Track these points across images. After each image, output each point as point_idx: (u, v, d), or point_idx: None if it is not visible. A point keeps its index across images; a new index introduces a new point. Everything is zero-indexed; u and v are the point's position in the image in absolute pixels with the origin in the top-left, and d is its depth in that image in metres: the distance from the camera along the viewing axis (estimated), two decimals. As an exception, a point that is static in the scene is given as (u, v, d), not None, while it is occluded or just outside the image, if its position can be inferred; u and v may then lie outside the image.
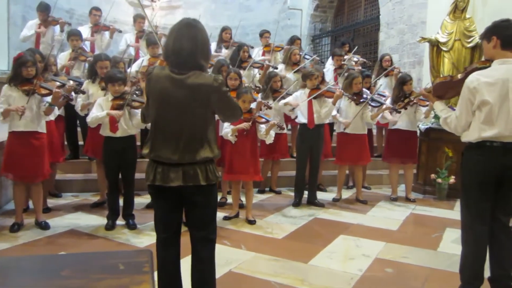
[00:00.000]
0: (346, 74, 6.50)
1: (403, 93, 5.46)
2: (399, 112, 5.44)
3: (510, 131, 2.67)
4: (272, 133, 4.61)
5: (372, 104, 5.49)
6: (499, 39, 2.75)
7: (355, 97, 5.34)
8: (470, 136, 2.81)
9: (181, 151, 2.29)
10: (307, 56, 7.42)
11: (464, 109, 2.81)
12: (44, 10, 6.74)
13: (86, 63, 6.02)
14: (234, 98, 4.81)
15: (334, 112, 5.36)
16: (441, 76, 5.36)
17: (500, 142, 2.70)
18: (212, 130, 2.42)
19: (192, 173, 2.31)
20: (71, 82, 4.95)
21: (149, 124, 2.45)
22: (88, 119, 4.29)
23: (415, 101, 5.38)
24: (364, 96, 5.45)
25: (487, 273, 2.85)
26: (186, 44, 2.28)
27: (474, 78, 2.75)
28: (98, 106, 4.27)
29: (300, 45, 7.74)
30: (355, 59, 7.40)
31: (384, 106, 5.42)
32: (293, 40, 7.56)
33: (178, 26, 2.36)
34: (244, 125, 4.41)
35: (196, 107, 2.30)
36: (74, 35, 6.12)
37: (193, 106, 2.29)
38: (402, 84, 5.53)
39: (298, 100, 5.23)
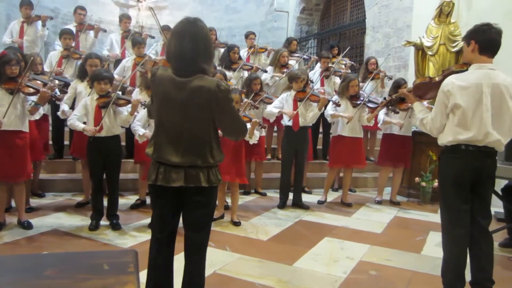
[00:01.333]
0: (333, 77, 6.57)
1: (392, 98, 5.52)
2: (397, 113, 5.49)
3: (483, 135, 2.72)
4: (257, 133, 4.61)
5: (369, 105, 5.53)
6: (477, 44, 2.79)
7: (339, 103, 5.35)
8: (444, 138, 2.86)
9: (183, 153, 2.28)
10: (305, 56, 7.47)
11: (439, 112, 2.86)
12: (27, 4, 6.69)
13: (78, 61, 5.98)
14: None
15: (331, 112, 5.37)
16: (420, 78, 5.43)
17: (475, 146, 2.75)
18: (215, 136, 2.38)
19: (194, 174, 2.30)
20: (56, 82, 4.91)
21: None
22: (69, 121, 4.26)
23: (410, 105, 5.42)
24: (361, 98, 5.49)
25: (468, 276, 2.90)
26: (187, 48, 2.23)
27: (449, 82, 2.80)
28: (82, 107, 4.25)
29: (297, 46, 7.77)
30: (344, 62, 7.47)
31: (378, 107, 5.46)
32: (290, 41, 7.58)
33: (179, 27, 2.31)
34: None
35: (197, 110, 2.27)
36: (67, 34, 6.07)
37: (193, 109, 2.26)
38: (397, 87, 5.59)
39: (283, 102, 5.26)
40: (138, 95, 4.88)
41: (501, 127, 2.74)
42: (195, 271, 2.45)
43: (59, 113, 4.87)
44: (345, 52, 7.55)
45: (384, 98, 5.64)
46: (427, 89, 3.15)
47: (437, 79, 3.06)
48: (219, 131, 2.47)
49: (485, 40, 2.77)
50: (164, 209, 2.42)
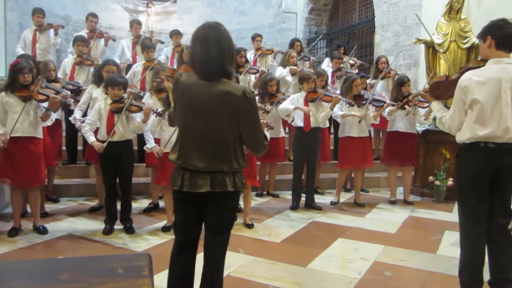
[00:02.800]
0: (344, 77, 6.54)
1: (401, 94, 5.50)
2: (404, 109, 5.45)
3: (503, 131, 2.68)
4: (267, 134, 4.54)
5: (374, 104, 5.49)
6: (493, 39, 2.75)
7: (353, 103, 5.33)
8: (463, 135, 2.81)
9: (209, 159, 2.27)
10: (306, 57, 7.46)
11: (457, 108, 2.82)
12: (40, 12, 6.78)
13: (91, 68, 6.05)
14: None
15: (341, 112, 5.34)
16: (437, 76, 5.38)
17: (494, 143, 2.71)
18: (240, 147, 2.39)
19: (220, 179, 2.29)
20: (70, 86, 4.96)
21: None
22: (83, 129, 4.31)
23: (415, 102, 5.40)
24: (364, 97, 5.45)
25: (487, 276, 2.85)
26: (214, 53, 2.24)
27: (466, 77, 2.76)
28: (95, 112, 4.29)
29: (301, 47, 7.76)
30: (352, 62, 7.44)
31: (384, 105, 5.43)
32: (293, 43, 7.58)
33: (202, 32, 2.30)
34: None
35: (223, 116, 2.27)
36: (80, 41, 6.15)
37: (220, 114, 2.26)
38: (400, 85, 5.57)
39: (294, 101, 5.24)
40: (148, 99, 4.91)
41: None
42: (215, 273, 2.44)
43: (71, 118, 4.92)
44: (352, 51, 7.52)
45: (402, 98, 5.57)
46: (444, 88, 3.09)
47: (453, 77, 3.02)
48: None
49: (502, 35, 2.73)
50: (188, 214, 2.41)
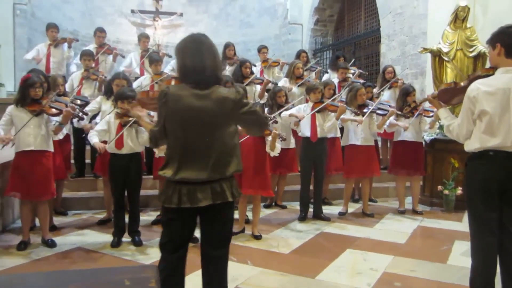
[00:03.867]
0: (350, 87, 6.55)
1: (406, 104, 5.49)
2: (408, 118, 5.45)
3: (511, 141, 2.65)
4: (278, 145, 4.53)
5: (379, 112, 5.49)
6: (503, 47, 2.70)
7: (358, 112, 5.33)
8: (471, 145, 2.79)
9: (211, 168, 2.24)
10: (312, 68, 7.50)
11: (465, 118, 2.80)
12: (53, 27, 6.91)
13: (97, 82, 6.11)
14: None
15: (342, 115, 5.32)
16: (445, 83, 5.37)
17: (503, 152, 2.68)
18: (238, 144, 2.40)
19: (219, 190, 2.27)
20: (78, 101, 5.01)
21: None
22: (90, 134, 4.33)
23: (420, 111, 5.39)
24: (368, 106, 5.45)
25: (498, 286, 2.81)
26: (206, 60, 2.27)
27: (475, 87, 2.73)
28: (104, 123, 4.33)
29: (307, 58, 7.80)
30: (352, 71, 7.45)
31: (388, 113, 5.42)
32: (299, 54, 7.63)
33: (192, 43, 2.32)
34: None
35: (223, 121, 2.29)
36: (87, 55, 6.22)
37: (220, 120, 2.28)
38: (406, 95, 5.57)
39: (300, 111, 5.24)
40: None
41: None
42: (222, 285, 2.42)
43: (75, 122, 4.91)
44: (351, 62, 7.55)
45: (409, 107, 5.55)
46: (452, 94, 3.08)
47: (462, 84, 3.00)
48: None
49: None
50: (182, 230, 2.36)
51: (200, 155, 2.26)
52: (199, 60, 2.26)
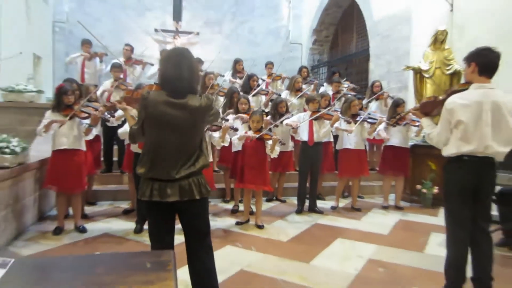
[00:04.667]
0: (343, 98, 6.54)
1: (396, 114, 5.50)
2: (395, 126, 5.48)
3: (484, 147, 2.64)
4: (277, 148, 4.56)
5: (369, 121, 5.48)
6: (477, 66, 2.71)
7: (351, 120, 5.34)
8: (449, 150, 2.78)
9: (180, 166, 2.20)
10: (310, 81, 7.49)
11: (443, 127, 2.79)
12: (87, 43, 6.96)
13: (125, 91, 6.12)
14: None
15: (336, 124, 5.29)
16: (426, 97, 5.37)
17: (476, 157, 2.67)
18: (204, 140, 2.35)
19: (187, 188, 2.21)
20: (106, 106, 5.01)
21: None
22: (119, 131, 4.35)
23: (407, 120, 5.41)
24: (360, 116, 5.45)
25: (469, 273, 2.79)
26: (184, 72, 2.21)
27: (451, 100, 2.73)
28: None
29: (308, 72, 7.79)
30: (346, 86, 7.44)
31: (377, 122, 5.42)
32: (301, 69, 7.65)
33: (174, 56, 2.28)
34: (251, 135, 4.44)
35: (194, 127, 2.24)
36: (116, 67, 6.23)
37: (192, 126, 2.23)
38: (396, 106, 5.60)
39: (300, 119, 5.24)
40: None
41: (501, 140, 2.65)
42: (212, 267, 2.36)
43: (112, 121, 4.88)
44: (345, 78, 7.56)
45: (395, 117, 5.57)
46: (432, 106, 3.07)
47: (441, 97, 2.99)
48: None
49: (485, 62, 2.69)
50: (160, 221, 2.31)
51: (170, 156, 2.20)
52: (178, 71, 2.21)
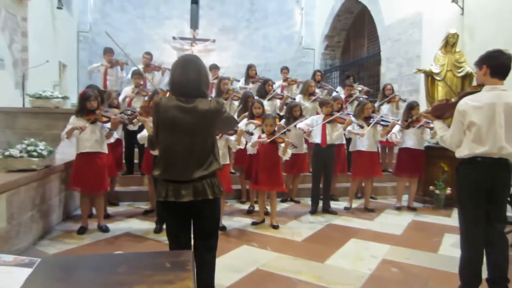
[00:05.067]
0: (355, 102, 6.48)
1: (411, 116, 5.41)
2: (408, 128, 5.40)
3: (498, 149, 2.56)
4: (289, 151, 4.53)
5: (382, 123, 5.41)
6: (488, 68, 2.65)
7: (363, 124, 5.27)
8: (462, 152, 2.71)
9: (192, 169, 2.20)
10: (326, 87, 7.44)
11: (456, 129, 2.72)
12: (109, 51, 7.04)
13: (145, 97, 6.15)
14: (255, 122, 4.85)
15: (349, 128, 5.25)
16: (437, 100, 5.27)
17: (491, 158, 2.60)
18: (216, 145, 2.34)
19: (201, 189, 2.22)
20: (129, 112, 5.05)
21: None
22: (139, 135, 4.37)
23: (422, 123, 5.30)
24: (372, 119, 5.38)
25: (484, 274, 2.71)
26: (192, 76, 2.21)
27: (464, 102, 2.67)
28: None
29: (322, 76, 7.72)
30: (360, 89, 7.35)
31: (390, 124, 5.34)
32: (314, 73, 7.63)
33: (182, 61, 2.29)
34: (262, 140, 4.41)
35: (204, 130, 2.23)
36: (137, 74, 6.27)
37: (201, 129, 2.22)
38: (410, 109, 5.50)
39: (314, 122, 5.20)
40: None
41: None
42: (208, 272, 2.34)
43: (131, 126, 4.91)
44: (357, 84, 7.51)
45: (405, 121, 5.49)
46: (444, 109, 3.00)
47: (453, 100, 2.92)
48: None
49: (496, 65, 2.63)
50: (174, 222, 2.32)
51: (182, 158, 2.21)
52: (185, 75, 2.22)
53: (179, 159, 2.22)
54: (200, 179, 2.22)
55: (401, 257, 3.63)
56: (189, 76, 2.22)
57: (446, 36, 5.94)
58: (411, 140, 5.46)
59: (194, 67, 2.25)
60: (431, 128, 5.28)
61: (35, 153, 3.82)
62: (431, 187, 5.74)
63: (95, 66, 7.20)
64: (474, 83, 5.40)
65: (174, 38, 13.34)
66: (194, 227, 2.36)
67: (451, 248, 3.88)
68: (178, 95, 2.23)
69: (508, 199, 3.76)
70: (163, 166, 2.25)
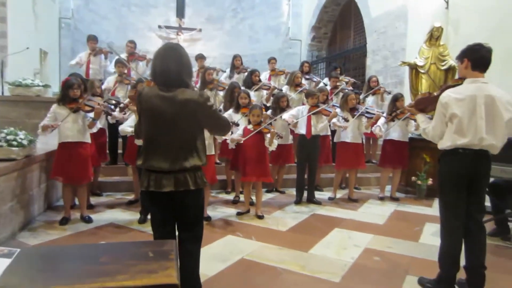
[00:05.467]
0: (341, 93, 6.51)
1: (395, 108, 5.46)
2: (393, 121, 5.44)
3: (478, 140, 2.61)
4: (275, 141, 4.55)
5: (367, 115, 5.45)
6: (470, 61, 2.68)
7: (348, 118, 5.29)
8: (444, 144, 2.75)
9: (172, 160, 2.17)
10: (314, 78, 7.44)
11: (439, 121, 2.76)
12: (93, 39, 6.88)
13: (129, 86, 6.06)
14: (234, 114, 4.83)
15: (334, 120, 5.28)
16: (421, 93, 5.33)
17: (471, 149, 2.65)
18: (201, 141, 2.28)
19: (182, 180, 2.19)
20: (113, 101, 4.97)
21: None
22: (120, 127, 4.32)
23: (406, 115, 5.35)
24: (357, 110, 5.41)
25: (463, 262, 2.77)
26: (172, 65, 2.17)
27: (446, 95, 2.70)
28: (132, 120, 4.29)
29: (309, 67, 7.69)
30: (346, 80, 7.39)
31: (375, 116, 5.38)
32: (302, 64, 7.61)
33: (163, 50, 2.24)
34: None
35: (184, 121, 2.17)
36: (120, 63, 6.17)
37: (181, 119, 2.16)
38: (395, 101, 5.56)
39: (299, 113, 5.21)
40: None
41: (495, 133, 2.62)
42: (192, 263, 2.31)
43: (110, 118, 4.84)
44: (343, 75, 7.52)
45: (388, 112, 5.55)
46: (427, 103, 3.04)
47: (435, 93, 2.96)
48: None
49: (477, 58, 2.66)
50: (159, 211, 2.29)
51: (163, 148, 2.19)
52: (166, 64, 2.18)
53: (158, 149, 2.19)
54: (181, 171, 2.19)
55: (383, 246, 3.70)
56: (170, 66, 2.18)
57: (430, 29, 5.99)
58: (395, 132, 5.53)
59: (175, 56, 2.21)
60: (415, 120, 5.34)
61: (15, 143, 3.73)
62: (413, 178, 5.83)
63: (76, 61, 6.96)
64: (457, 76, 5.48)
65: (159, 27, 13.13)
66: (177, 218, 2.33)
67: (431, 237, 3.97)
68: (159, 84, 2.20)
69: (487, 189, 3.87)
70: (145, 155, 2.22)
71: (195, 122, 2.22)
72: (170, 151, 2.18)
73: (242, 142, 4.42)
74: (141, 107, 2.23)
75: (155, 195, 2.22)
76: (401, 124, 5.47)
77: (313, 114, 5.13)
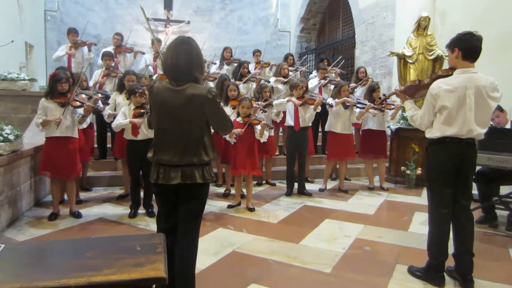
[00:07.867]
0: (329, 84, 6.51)
1: (372, 99, 5.44)
2: (382, 110, 5.46)
3: (466, 131, 2.62)
4: (266, 133, 4.56)
5: (358, 106, 5.45)
6: (460, 51, 2.65)
7: (332, 104, 5.27)
8: (432, 133, 2.77)
9: (180, 154, 2.18)
10: (299, 68, 7.41)
11: (427, 111, 2.76)
12: (73, 32, 6.73)
13: (116, 79, 5.98)
14: (229, 108, 4.81)
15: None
16: (409, 81, 5.34)
17: (459, 138, 2.66)
18: (209, 137, 2.29)
19: (189, 173, 2.20)
20: (99, 95, 4.90)
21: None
22: (113, 124, 4.26)
23: (388, 101, 5.35)
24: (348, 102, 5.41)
25: (451, 249, 2.81)
26: (182, 59, 2.17)
27: (436, 86, 2.70)
28: (122, 114, 4.24)
29: (294, 60, 7.68)
30: (334, 71, 7.38)
31: (366, 107, 5.38)
32: (287, 56, 7.56)
33: (174, 43, 2.23)
34: (238, 130, 4.39)
35: (192, 115, 2.19)
36: (107, 56, 6.08)
37: (189, 114, 2.17)
38: (372, 92, 5.55)
39: (288, 105, 5.20)
40: None
41: (480, 122, 2.64)
42: (186, 256, 2.28)
43: (105, 116, 4.78)
44: (334, 63, 7.50)
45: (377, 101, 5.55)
46: (416, 90, 3.05)
47: (425, 81, 2.96)
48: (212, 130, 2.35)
49: (468, 47, 2.63)
50: (166, 203, 2.32)
51: (171, 142, 2.21)
52: (175, 58, 2.18)
53: (167, 143, 2.22)
54: (189, 165, 2.20)
55: (374, 235, 3.73)
56: (179, 61, 2.17)
57: (418, 19, 6.01)
58: (372, 121, 5.55)
59: (185, 50, 2.19)
60: (392, 109, 5.39)
61: (0, 138, 3.67)
62: (402, 168, 5.89)
63: (60, 55, 6.78)
64: (445, 66, 5.52)
65: (147, 19, 12.94)
66: (180, 208, 2.32)
67: (420, 226, 4.01)
68: (170, 78, 2.21)
69: (473, 177, 3.92)
70: (154, 148, 2.27)
71: (203, 117, 2.23)
72: (179, 145, 2.20)
73: (242, 134, 4.39)
74: (152, 101, 2.28)
75: (163, 187, 2.25)
76: (378, 114, 5.47)
77: (300, 106, 5.11)
